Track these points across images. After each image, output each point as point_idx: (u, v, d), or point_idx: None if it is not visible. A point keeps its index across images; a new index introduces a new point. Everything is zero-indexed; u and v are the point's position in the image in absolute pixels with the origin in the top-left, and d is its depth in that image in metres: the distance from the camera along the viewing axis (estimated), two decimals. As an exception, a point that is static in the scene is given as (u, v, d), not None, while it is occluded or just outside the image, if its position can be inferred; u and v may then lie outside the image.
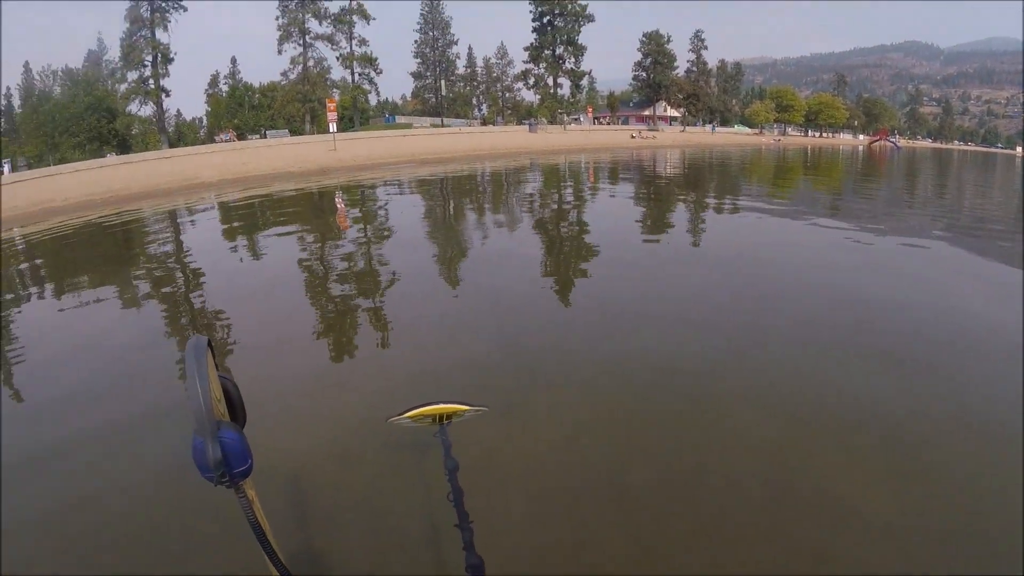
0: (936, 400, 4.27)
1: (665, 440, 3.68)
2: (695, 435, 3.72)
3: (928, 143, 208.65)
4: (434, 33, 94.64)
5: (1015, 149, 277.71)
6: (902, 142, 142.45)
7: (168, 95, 70.43)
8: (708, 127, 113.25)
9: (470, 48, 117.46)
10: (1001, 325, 5.85)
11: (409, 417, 3.09)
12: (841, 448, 3.61)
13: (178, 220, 16.14)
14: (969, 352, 5.18)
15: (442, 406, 3.12)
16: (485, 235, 11.23)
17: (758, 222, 12.94)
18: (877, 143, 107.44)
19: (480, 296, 6.86)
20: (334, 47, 77.44)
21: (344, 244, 10.64)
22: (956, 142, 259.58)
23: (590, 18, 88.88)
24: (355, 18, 77.32)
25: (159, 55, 67.89)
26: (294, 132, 74.49)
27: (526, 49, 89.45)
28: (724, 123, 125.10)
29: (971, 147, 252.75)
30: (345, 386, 4.50)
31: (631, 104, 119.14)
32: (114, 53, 72.41)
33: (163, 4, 67.47)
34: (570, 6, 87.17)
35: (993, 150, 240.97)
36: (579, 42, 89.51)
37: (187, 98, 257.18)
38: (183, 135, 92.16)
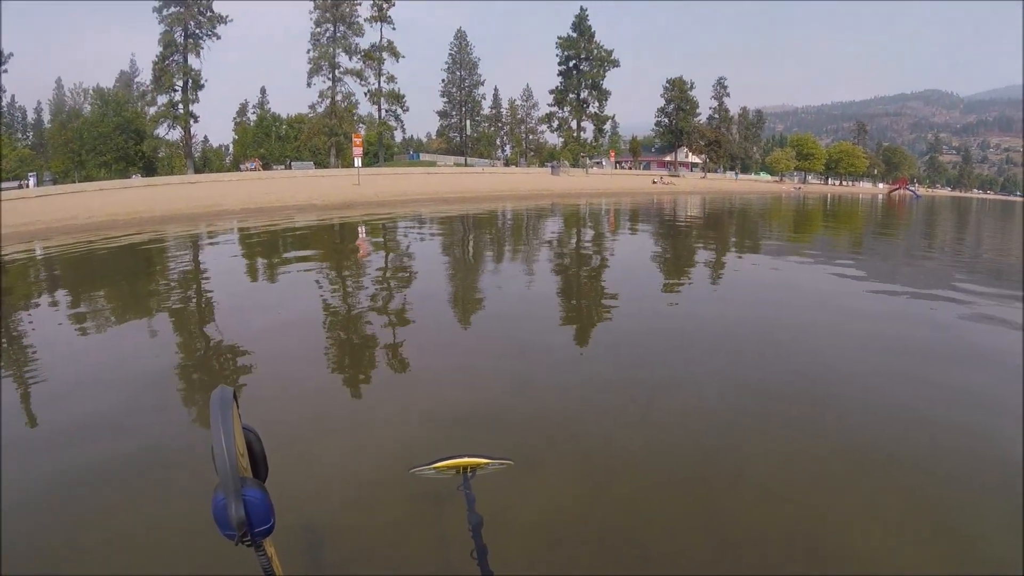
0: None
1: (687, 505, 3.59)
2: (718, 502, 3.64)
3: (947, 191, 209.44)
4: (461, 73, 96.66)
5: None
6: (921, 190, 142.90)
7: (196, 120, 71.18)
8: (730, 174, 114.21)
9: (496, 89, 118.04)
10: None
11: (433, 468, 3.06)
12: (868, 504, 3.60)
13: (199, 246, 16.33)
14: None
15: (466, 459, 3.10)
16: (506, 279, 11.02)
17: (777, 272, 13.13)
18: (896, 192, 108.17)
19: (502, 343, 6.76)
20: (363, 82, 78.02)
21: (365, 283, 10.48)
22: (975, 190, 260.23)
23: (615, 63, 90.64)
24: (385, 55, 78.38)
25: (190, 80, 68.96)
26: (319, 165, 75.52)
27: (551, 92, 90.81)
28: (745, 170, 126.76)
29: (990, 195, 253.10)
30: (366, 433, 4.45)
31: (653, 149, 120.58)
32: (146, 75, 73.59)
33: (197, 31, 69.00)
34: (596, 51, 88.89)
35: (1013, 198, 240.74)
36: (603, 87, 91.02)
37: (215, 125, 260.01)
38: (209, 161, 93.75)
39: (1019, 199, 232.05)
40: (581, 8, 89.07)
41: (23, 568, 2.98)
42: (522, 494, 3.57)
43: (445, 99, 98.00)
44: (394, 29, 78.56)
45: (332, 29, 75.40)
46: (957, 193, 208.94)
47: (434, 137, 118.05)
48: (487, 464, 3.13)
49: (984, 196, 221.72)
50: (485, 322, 7.73)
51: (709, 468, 4.03)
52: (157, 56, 68.12)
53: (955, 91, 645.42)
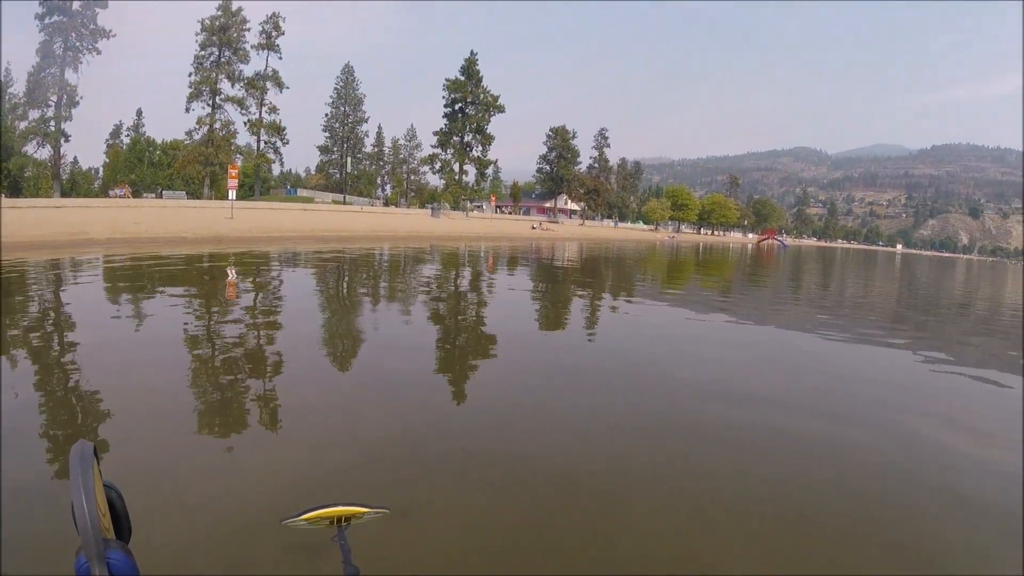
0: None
1: (565, 543, 3.72)
2: (604, 543, 3.74)
3: (814, 241, 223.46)
4: (346, 108, 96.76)
5: (895, 247, 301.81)
6: (789, 240, 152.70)
7: (68, 140, 65.70)
8: (608, 221, 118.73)
9: (380, 127, 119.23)
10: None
11: (306, 519, 2.97)
12: (738, 533, 3.96)
13: (59, 277, 15.24)
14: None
15: (340, 508, 3.02)
16: (381, 321, 10.94)
17: (648, 316, 14.11)
18: (765, 241, 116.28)
19: (377, 386, 6.74)
20: (244, 111, 76.27)
21: (235, 324, 9.92)
22: (840, 240, 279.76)
23: (501, 109, 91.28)
24: (269, 84, 77.26)
25: (65, 96, 63.84)
26: (192, 195, 73.12)
27: (435, 133, 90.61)
28: (622, 219, 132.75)
29: (854, 245, 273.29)
30: (236, 483, 4.26)
31: (533, 195, 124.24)
32: (19, 87, 68.75)
33: (78, 44, 64.35)
34: (483, 96, 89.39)
35: (875, 248, 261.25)
36: (488, 131, 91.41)
37: (86, 145, 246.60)
38: (77, 184, 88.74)
39: (880, 248, 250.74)
40: (472, 52, 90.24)
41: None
42: (400, 544, 3.55)
43: (327, 134, 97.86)
44: (280, 58, 78.16)
45: (217, 53, 73.67)
46: (823, 243, 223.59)
47: (313, 172, 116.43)
48: (363, 513, 3.08)
49: (848, 246, 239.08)
50: (361, 365, 7.67)
51: (593, 503, 4.22)
52: (33, 67, 63.24)
53: (823, 148, 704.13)
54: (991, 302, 27.14)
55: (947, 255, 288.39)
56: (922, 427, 6.50)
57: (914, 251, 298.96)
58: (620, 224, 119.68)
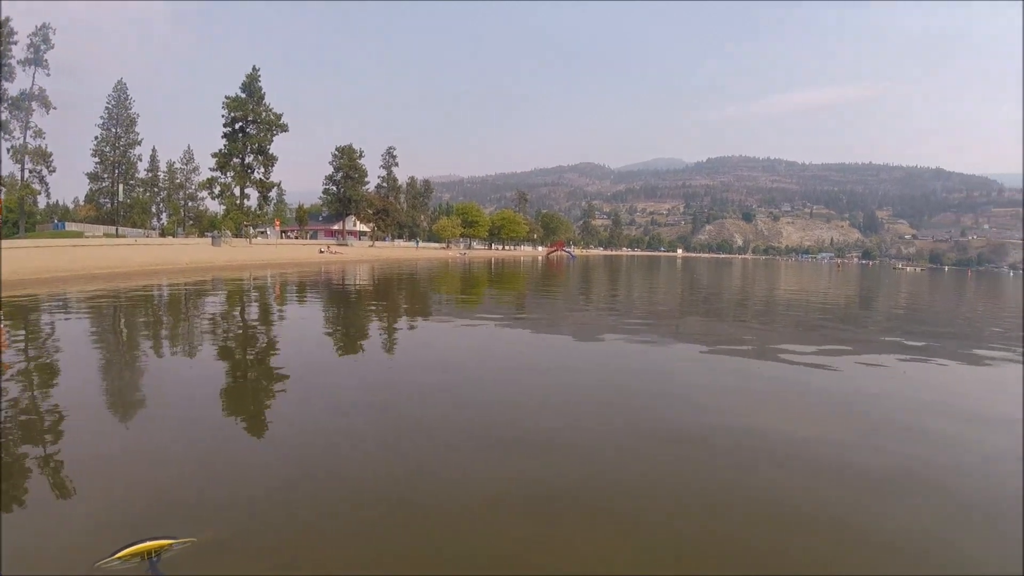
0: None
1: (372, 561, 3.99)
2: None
3: (600, 251, 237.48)
4: (118, 130, 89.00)
5: (676, 252, 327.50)
6: (576, 251, 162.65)
7: None
8: (401, 241, 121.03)
9: (154, 149, 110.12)
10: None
11: (118, 558, 3.16)
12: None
13: None
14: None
15: (148, 543, 3.31)
16: (164, 362, 10.40)
17: (441, 332, 15.37)
18: (554, 253, 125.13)
19: (167, 424, 6.72)
20: (6, 135, 68.42)
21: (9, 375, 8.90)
22: (625, 248, 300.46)
23: (284, 127, 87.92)
24: (35, 105, 69.97)
25: None
26: (-64, 239, 66.18)
27: (214, 155, 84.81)
28: (412, 237, 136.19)
29: (638, 252, 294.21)
30: (42, 532, 4.18)
31: (320, 218, 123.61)
32: None
33: None
34: (265, 114, 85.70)
35: (658, 253, 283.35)
36: (270, 152, 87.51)
37: None
38: None
39: (663, 254, 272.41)
40: (253, 68, 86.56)
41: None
42: (215, 572, 3.68)
43: (97, 159, 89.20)
44: (48, 75, 70.98)
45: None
46: (609, 252, 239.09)
47: (82, 203, 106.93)
48: (169, 545, 3.41)
49: (633, 253, 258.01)
50: (148, 406, 7.47)
51: (392, 516, 4.61)
52: None
53: (606, 163, 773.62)
54: (765, 295, 34.25)
55: (724, 256, 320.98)
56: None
57: (694, 254, 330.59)
58: (406, 244, 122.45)
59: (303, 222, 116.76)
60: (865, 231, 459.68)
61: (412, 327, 16.29)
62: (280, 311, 18.97)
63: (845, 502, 5.12)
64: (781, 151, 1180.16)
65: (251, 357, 11.19)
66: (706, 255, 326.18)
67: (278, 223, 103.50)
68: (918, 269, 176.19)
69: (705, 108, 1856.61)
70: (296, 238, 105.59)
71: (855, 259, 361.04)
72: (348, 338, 14.09)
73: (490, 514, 4.66)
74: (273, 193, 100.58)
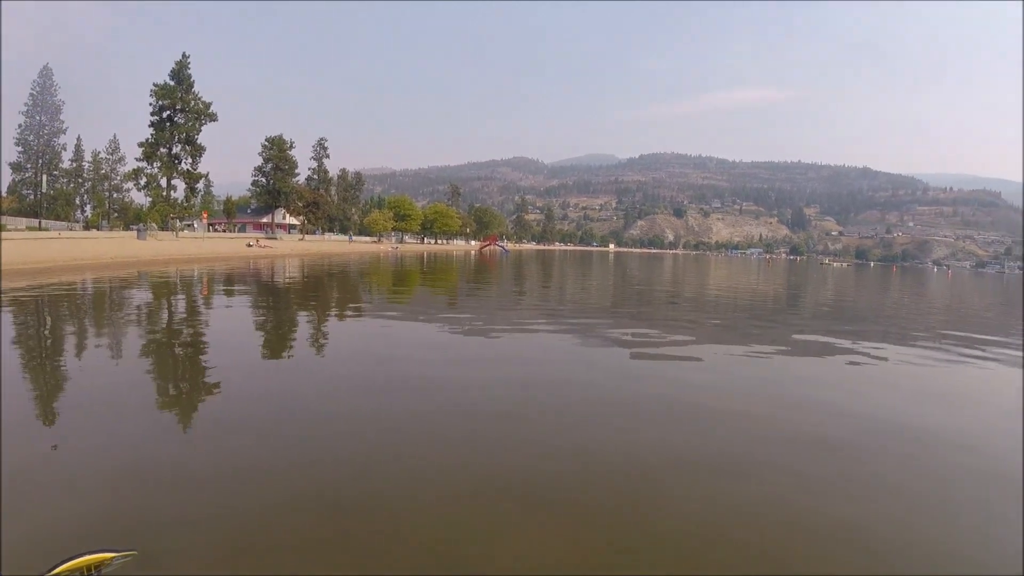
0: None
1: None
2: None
3: (533, 245, 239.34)
4: (42, 118, 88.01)
5: (608, 247, 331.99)
6: (510, 246, 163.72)
7: None
8: (329, 235, 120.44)
9: (79, 139, 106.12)
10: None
11: (56, 574, 3.15)
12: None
13: None
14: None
15: (87, 557, 3.27)
16: (88, 364, 9.96)
17: (373, 328, 15.82)
18: (487, 247, 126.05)
19: (94, 431, 6.54)
20: None
21: None
22: (558, 243, 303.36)
23: (213, 117, 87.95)
24: None
25: None
26: None
27: (140, 145, 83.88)
28: (343, 231, 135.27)
29: (571, 247, 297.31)
30: None
31: (249, 210, 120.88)
32: None
33: None
34: (194, 103, 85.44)
35: (590, 248, 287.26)
36: (199, 142, 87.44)
37: None
38: None
39: (595, 248, 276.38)
40: (184, 55, 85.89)
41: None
42: None
43: (20, 148, 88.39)
44: None
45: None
46: (542, 246, 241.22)
47: (4, 194, 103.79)
48: (111, 559, 3.36)
49: (565, 248, 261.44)
50: (70, 413, 7.25)
51: (321, 520, 4.67)
52: None
53: (540, 158, 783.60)
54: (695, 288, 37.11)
55: (656, 251, 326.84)
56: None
57: (626, 249, 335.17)
58: (336, 237, 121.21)
59: (231, 215, 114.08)
60: (793, 227, 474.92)
61: (342, 324, 16.60)
62: (208, 309, 18.77)
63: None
64: (712, 149, 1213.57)
65: (180, 357, 11.03)
66: (638, 250, 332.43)
67: (205, 216, 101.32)
68: (844, 265, 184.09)
69: (639, 105, 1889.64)
70: (224, 231, 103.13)
71: (783, 255, 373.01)
72: (279, 337, 13.96)
73: (438, 508, 4.93)
74: (200, 185, 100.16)
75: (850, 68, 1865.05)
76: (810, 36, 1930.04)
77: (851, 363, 12.72)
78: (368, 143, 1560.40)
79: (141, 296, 21.12)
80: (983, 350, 15.41)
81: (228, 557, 4.03)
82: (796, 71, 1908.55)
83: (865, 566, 4.35)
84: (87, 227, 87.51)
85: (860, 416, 8.45)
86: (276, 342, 13.29)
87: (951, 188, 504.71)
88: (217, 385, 8.79)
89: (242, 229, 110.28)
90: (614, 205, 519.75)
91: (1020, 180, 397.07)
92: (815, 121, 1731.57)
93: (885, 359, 13.44)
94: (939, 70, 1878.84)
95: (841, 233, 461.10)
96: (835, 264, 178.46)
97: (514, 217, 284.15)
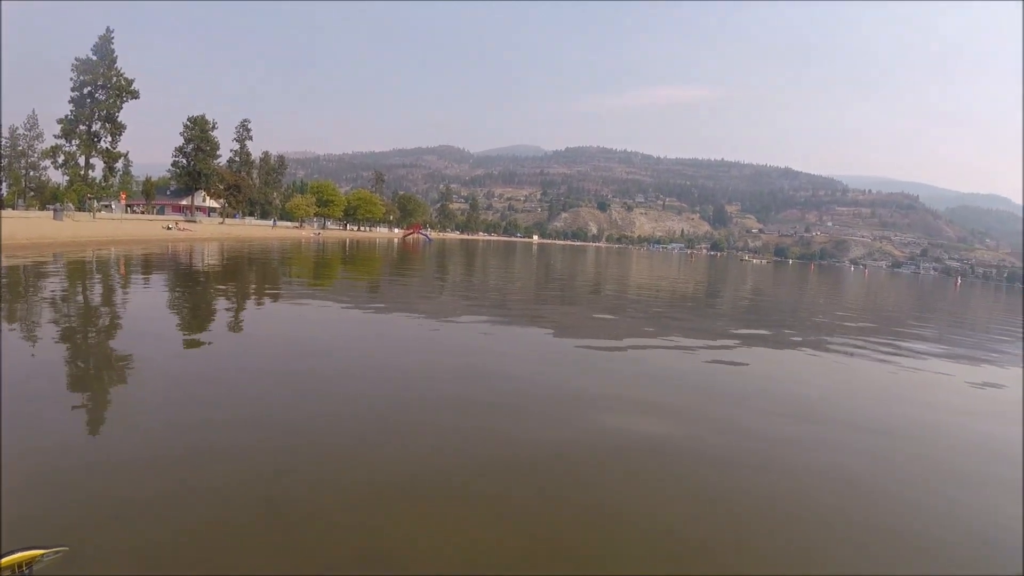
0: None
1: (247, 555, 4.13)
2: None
3: (457, 235, 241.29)
4: None
5: (532, 238, 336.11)
6: (433, 234, 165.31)
7: None
8: (250, 219, 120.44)
9: None
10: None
11: None
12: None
13: None
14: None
15: (17, 555, 3.26)
16: None
17: (292, 315, 15.69)
18: (411, 236, 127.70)
19: (6, 422, 6.10)
20: None
21: None
22: (482, 233, 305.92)
23: (135, 94, 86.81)
24: None
25: None
26: None
27: (59, 121, 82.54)
28: (265, 216, 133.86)
29: (495, 237, 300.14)
30: None
31: (168, 192, 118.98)
32: None
33: None
34: (116, 79, 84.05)
35: (514, 239, 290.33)
36: (119, 119, 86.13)
37: None
38: None
39: (519, 239, 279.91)
40: (107, 28, 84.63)
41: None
42: None
43: None
44: None
45: None
46: (466, 236, 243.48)
47: None
48: (42, 555, 3.40)
49: (489, 238, 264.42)
50: None
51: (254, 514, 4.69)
52: None
53: (466, 147, 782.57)
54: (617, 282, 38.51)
55: (579, 244, 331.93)
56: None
57: (549, 241, 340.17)
58: (259, 222, 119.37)
59: (150, 196, 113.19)
60: (714, 224, 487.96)
61: (260, 310, 16.55)
62: (124, 292, 18.05)
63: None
64: (638, 144, 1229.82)
65: (92, 343, 10.69)
66: (561, 242, 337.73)
67: (124, 196, 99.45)
68: (764, 262, 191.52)
69: (568, 98, 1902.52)
70: (143, 213, 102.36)
71: (704, 250, 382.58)
72: (196, 321, 13.89)
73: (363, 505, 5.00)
74: (120, 164, 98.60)
75: (777, 71, 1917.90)
76: (740, 37, 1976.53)
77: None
78: (292, 126, 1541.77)
79: (56, 280, 19.78)
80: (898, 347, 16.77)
81: (159, 553, 4.06)
82: (725, 71, 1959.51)
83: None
84: (1, 206, 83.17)
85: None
86: (192, 327, 13.21)
87: (870, 190, 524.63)
88: (136, 371, 8.67)
89: (161, 211, 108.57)
90: (539, 197, 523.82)
91: (937, 184, 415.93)
92: (741, 121, 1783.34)
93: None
94: (866, 76, 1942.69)
95: (761, 231, 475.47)
96: (755, 261, 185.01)
97: (439, 206, 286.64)
